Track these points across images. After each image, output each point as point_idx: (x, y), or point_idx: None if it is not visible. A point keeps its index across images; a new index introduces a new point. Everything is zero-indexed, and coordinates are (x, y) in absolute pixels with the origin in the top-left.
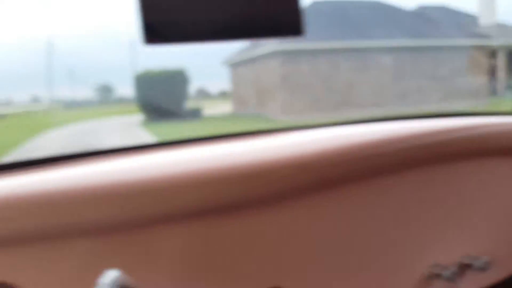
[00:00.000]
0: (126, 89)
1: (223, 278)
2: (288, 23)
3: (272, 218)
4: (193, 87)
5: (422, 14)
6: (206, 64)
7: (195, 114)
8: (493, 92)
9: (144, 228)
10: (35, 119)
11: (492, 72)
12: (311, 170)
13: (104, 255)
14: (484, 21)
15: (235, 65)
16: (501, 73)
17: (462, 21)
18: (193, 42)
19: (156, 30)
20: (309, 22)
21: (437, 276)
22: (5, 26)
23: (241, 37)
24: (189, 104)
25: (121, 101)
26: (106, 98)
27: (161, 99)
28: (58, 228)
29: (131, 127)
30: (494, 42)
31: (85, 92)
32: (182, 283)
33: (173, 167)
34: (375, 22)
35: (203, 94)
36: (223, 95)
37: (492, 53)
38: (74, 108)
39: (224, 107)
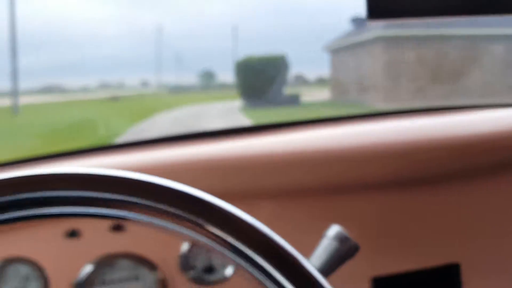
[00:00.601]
0: (227, 75)
1: (405, 248)
2: None
3: (452, 195)
4: (290, 73)
5: None
6: (304, 50)
7: (294, 100)
8: None
9: (342, 194)
10: (143, 102)
11: None
12: (484, 151)
13: (324, 213)
14: None
15: (336, 51)
16: None
17: None
18: (416, 18)
19: (380, 6)
20: None
21: None
22: (117, 12)
23: (465, 13)
24: (287, 90)
25: (222, 86)
26: (208, 83)
27: (260, 85)
28: (294, 186)
29: (230, 112)
30: None
31: (189, 78)
32: (372, 248)
33: (369, 138)
34: None
35: (301, 81)
36: (320, 81)
37: None
38: (178, 93)
39: (322, 94)
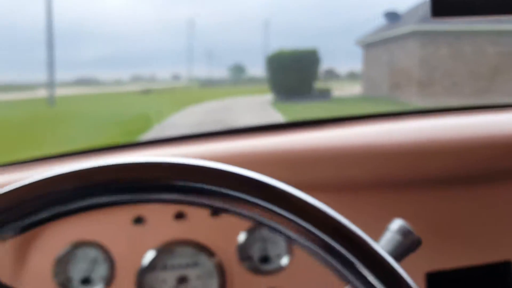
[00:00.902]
0: (256, 69)
1: (459, 244)
2: None
3: (509, 193)
4: (321, 67)
5: None
6: (336, 44)
7: (324, 95)
8: None
9: (400, 189)
10: (174, 95)
11: None
12: None
13: (383, 208)
14: None
15: (368, 45)
16: None
17: None
18: (480, 15)
19: (444, 3)
20: None
21: None
22: (151, 7)
23: None
24: (318, 85)
25: (252, 80)
26: (238, 77)
27: (291, 79)
28: (356, 180)
29: (261, 106)
30: None
31: (220, 72)
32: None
33: (423, 135)
34: None
35: (331, 75)
36: (351, 76)
37: None
38: (209, 86)
39: (353, 89)
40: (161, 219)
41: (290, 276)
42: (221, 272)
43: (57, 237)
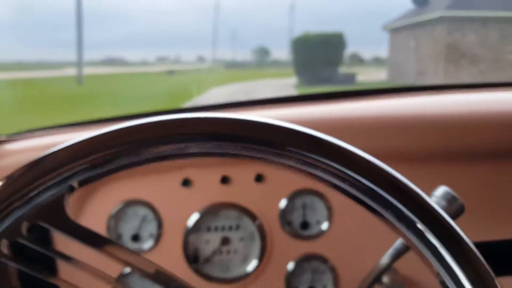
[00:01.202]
0: (281, 52)
1: (505, 216)
2: None
3: None
4: (346, 52)
5: None
6: (361, 29)
7: (349, 79)
8: None
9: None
10: (198, 77)
11: None
12: None
13: (432, 177)
14: None
15: (395, 30)
16: None
17: None
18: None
19: None
20: None
21: None
22: None
23: None
24: (343, 69)
25: (275, 63)
26: (262, 60)
27: (316, 63)
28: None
29: (285, 89)
30: None
31: (244, 54)
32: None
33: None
34: None
35: (356, 60)
36: (376, 61)
37: None
38: (233, 68)
39: (378, 74)
40: (207, 182)
41: (328, 243)
42: (263, 235)
43: (110, 196)
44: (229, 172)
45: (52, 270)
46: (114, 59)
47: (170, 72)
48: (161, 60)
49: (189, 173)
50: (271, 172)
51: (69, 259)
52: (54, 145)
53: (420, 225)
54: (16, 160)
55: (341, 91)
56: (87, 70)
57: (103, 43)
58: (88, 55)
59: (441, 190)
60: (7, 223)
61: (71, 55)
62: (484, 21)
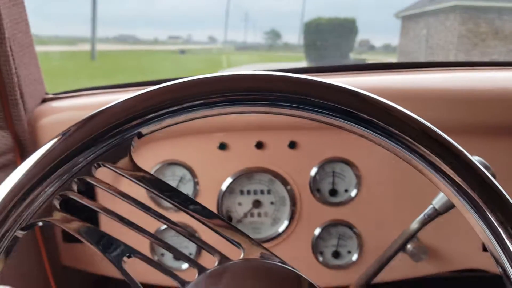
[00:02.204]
0: (292, 35)
1: None
2: None
3: None
4: (357, 38)
5: None
6: (372, 16)
7: None
8: None
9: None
10: (210, 56)
11: None
12: None
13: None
14: None
15: (407, 18)
16: None
17: None
18: None
19: None
20: None
21: None
22: None
23: None
24: (353, 55)
25: (286, 47)
26: (273, 43)
27: (327, 47)
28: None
29: None
30: None
31: (255, 36)
32: None
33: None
34: None
35: (367, 46)
36: (386, 48)
37: None
38: (244, 50)
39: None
40: (242, 147)
41: (355, 210)
42: (293, 200)
43: (150, 156)
44: (264, 138)
45: (95, 224)
46: (126, 36)
47: (181, 51)
48: (173, 39)
49: (226, 138)
50: (304, 139)
51: (114, 214)
52: (95, 104)
53: (462, 183)
54: (62, 116)
55: (383, 63)
56: (100, 47)
57: (116, 20)
58: (101, 32)
59: (475, 159)
60: (83, 163)
61: (85, 31)
62: (499, 11)
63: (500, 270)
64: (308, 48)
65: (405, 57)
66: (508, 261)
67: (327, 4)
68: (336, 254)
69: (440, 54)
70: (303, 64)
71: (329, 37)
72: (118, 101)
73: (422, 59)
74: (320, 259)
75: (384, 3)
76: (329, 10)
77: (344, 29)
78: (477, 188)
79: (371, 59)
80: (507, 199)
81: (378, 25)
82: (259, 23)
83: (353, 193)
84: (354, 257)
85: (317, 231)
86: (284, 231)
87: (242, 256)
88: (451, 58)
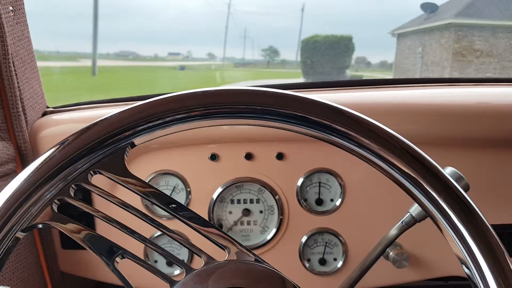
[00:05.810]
0: (289, 52)
1: (498, 205)
2: None
3: None
4: (354, 55)
5: None
6: (369, 33)
7: None
8: None
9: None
10: (208, 73)
11: None
12: None
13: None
14: None
15: (403, 35)
16: None
17: None
18: None
19: None
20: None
21: None
22: None
23: None
24: (349, 72)
25: (284, 63)
26: (271, 60)
27: (324, 64)
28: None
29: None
30: None
31: (253, 53)
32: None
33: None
34: None
35: (363, 63)
36: (382, 65)
37: None
38: (242, 67)
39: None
40: (233, 158)
41: (340, 218)
42: (281, 209)
43: (145, 166)
44: (253, 149)
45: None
46: (127, 52)
47: (181, 68)
48: (173, 55)
49: (217, 149)
50: (291, 151)
51: (109, 218)
52: (92, 117)
53: (437, 196)
54: (61, 128)
55: (369, 80)
56: (102, 62)
57: (117, 37)
58: (103, 48)
59: (448, 169)
60: (80, 170)
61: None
62: (493, 29)
63: (467, 272)
64: (305, 64)
65: (401, 74)
66: (472, 262)
67: (324, 23)
68: (323, 261)
69: (436, 70)
70: (301, 80)
71: (326, 54)
72: (112, 113)
73: (417, 75)
74: (307, 265)
75: (380, 20)
76: (326, 28)
77: (341, 46)
78: (443, 193)
79: (368, 75)
80: (470, 203)
81: (375, 42)
82: (258, 40)
83: (338, 202)
84: (340, 263)
85: (304, 238)
86: (272, 239)
87: (226, 257)
88: (446, 75)
